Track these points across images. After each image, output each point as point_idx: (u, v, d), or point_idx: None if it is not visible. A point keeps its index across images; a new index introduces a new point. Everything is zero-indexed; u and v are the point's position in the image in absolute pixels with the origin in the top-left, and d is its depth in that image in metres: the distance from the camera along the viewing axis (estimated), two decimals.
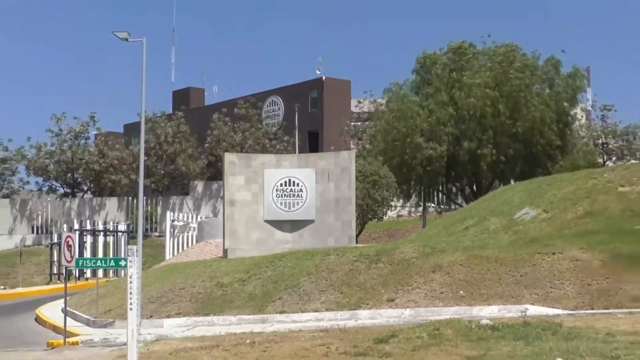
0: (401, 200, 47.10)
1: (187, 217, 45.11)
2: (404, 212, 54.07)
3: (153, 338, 17.83)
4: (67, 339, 18.94)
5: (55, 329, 22.30)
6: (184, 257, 31.77)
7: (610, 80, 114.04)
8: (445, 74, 43.09)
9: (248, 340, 15.34)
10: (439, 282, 20.04)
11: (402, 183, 41.59)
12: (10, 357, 16.76)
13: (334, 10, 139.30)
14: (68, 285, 21.42)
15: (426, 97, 42.87)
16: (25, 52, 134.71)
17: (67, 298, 21.36)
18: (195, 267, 25.33)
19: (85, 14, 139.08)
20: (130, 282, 12.10)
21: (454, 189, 47.36)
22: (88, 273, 39.52)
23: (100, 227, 47.29)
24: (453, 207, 47.05)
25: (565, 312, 17.52)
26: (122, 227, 45.93)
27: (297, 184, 27.64)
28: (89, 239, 44.03)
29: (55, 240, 43.54)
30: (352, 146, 54.03)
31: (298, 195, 27.61)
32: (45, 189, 61.31)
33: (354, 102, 63.75)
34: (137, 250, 12.44)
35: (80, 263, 22.03)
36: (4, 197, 60.64)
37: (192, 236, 41.62)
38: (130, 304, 12.02)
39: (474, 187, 44.28)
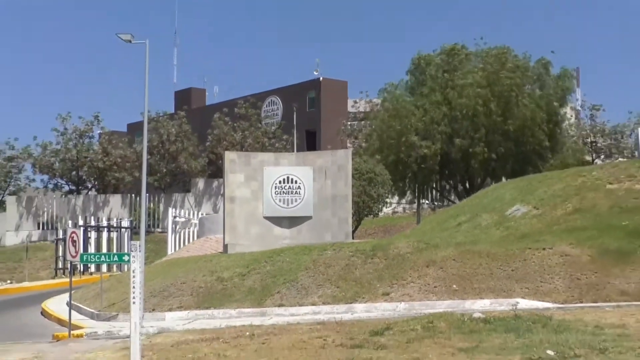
0: (396, 197, 47.16)
1: (189, 214, 45.09)
2: (399, 208, 54.15)
3: (155, 331, 17.81)
4: (72, 332, 18.92)
5: (60, 322, 22.28)
6: (185, 252, 31.75)
7: (599, 81, 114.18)
8: (439, 74, 43.13)
9: (247, 333, 15.33)
10: (432, 277, 20.03)
11: (397, 180, 41.66)
12: (16, 349, 16.73)
13: (331, 13, 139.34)
14: (73, 279, 21.43)
15: (421, 97, 42.90)
16: (31, 54, 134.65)
17: (72, 292, 21.36)
18: (197, 262, 25.30)
19: (89, 16, 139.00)
20: (133, 277, 12.08)
21: (447, 186, 47.44)
22: (92, 268, 39.52)
23: (104, 223, 47.23)
24: (446, 203, 47.10)
25: (555, 305, 17.52)
26: (125, 223, 45.90)
27: (295, 182, 27.62)
28: (93, 234, 43.97)
29: (61, 236, 43.54)
30: (348, 145, 54.05)
31: (296, 193, 27.60)
32: (50, 186, 61.34)
33: (350, 102, 63.76)
34: (139, 246, 12.42)
35: (84, 258, 21.96)
36: (10, 194, 60.66)
37: (193, 232, 41.60)
38: (133, 297, 12.00)
39: (467, 185, 44.33)
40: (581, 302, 17.69)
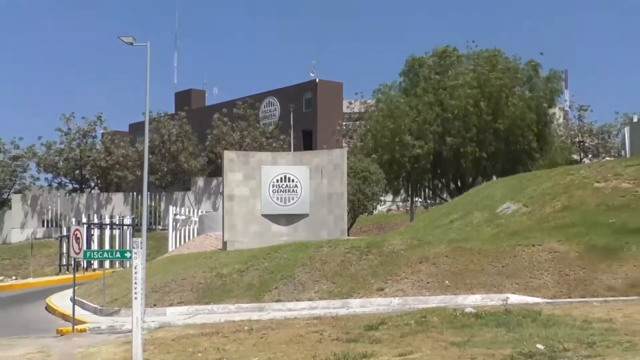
0: (390, 196, 47.11)
1: (189, 212, 45.05)
2: (393, 206, 54.09)
3: (157, 325, 17.81)
4: (76, 327, 18.91)
5: (64, 317, 22.25)
6: (185, 249, 31.71)
7: (586, 82, 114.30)
8: (432, 76, 43.11)
9: (246, 327, 15.32)
10: (425, 273, 20.03)
11: (392, 179, 41.63)
12: (22, 343, 16.71)
13: (327, 17, 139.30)
14: (76, 275, 21.39)
15: (414, 98, 42.87)
16: (35, 56, 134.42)
17: (76, 288, 21.31)
18: (197, 259, 25.29)
19: (92, 19, 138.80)
20: (135, 273, 12.06)
21: (439, 185, 47.41)
22: (95, 264, 39.44)
23: (107, 220, 47.21)
24: (439, 201, 47.08)
25: (545, 300, 17.53)
26: (127, 220, 45.88)
27: (293, 180, 27.61)
28: (96, 232, 43.94)
29: (65, 233, 43.48)
30: (343, 144, 54.02)
31: (293, 191, 27.59)
32: (54, 184, 61.27)
33: (345, 103, 63.73)
34: (141, 243, 12.39)
35: (87, 255, 21.98)
36: (16, 192, 60.58)
37: (193, 229, 41.55)
38: (135, 293, 11.98)
39: (459, 183, 44.31)
40: (570, 297, 17.70)
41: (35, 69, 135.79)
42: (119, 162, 58.36)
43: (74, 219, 48.59)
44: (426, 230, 25.90)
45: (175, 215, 42.54)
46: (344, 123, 60.14)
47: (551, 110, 44.91)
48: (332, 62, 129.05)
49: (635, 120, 42.47)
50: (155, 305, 21.07)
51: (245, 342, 13.60)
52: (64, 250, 41.69)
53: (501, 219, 24.31)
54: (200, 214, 42.97)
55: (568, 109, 60.31)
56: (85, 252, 20.93)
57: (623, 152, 40.06)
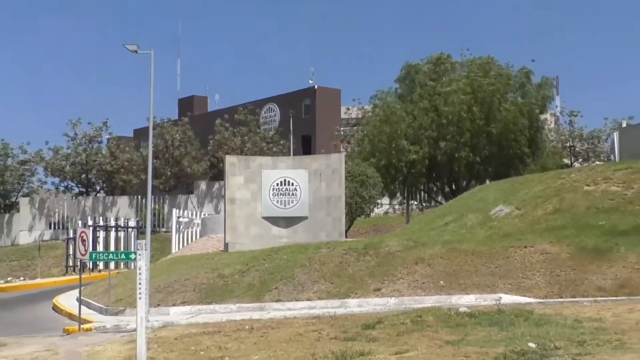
0: (387, 199, 47.10)
1: (192, 214, 45.00)
2: (390, 209, 54.09)
3: (160, 324, 17.79)
4: (82, 326, 18.88)
5: (70, 316, 22.22)
6: (188, 250, 31.69)
7: (577, 88, 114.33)
8: (427, 82, 43.11)
9: (247, 327, 15.32)
10: (421, 273, 20.03)
11: (388, 183, 41.64)
12: (30, 341, 16.70)
13: (325, 26, 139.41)
14: (82, 276, 21.39)
15: (410, 104, 42.87)
16: (43, 64, 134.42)
17: (82, 288, 21.32)
18: (199, 260, 25.27)
19: (99, 28, 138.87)
20: (140, 274, 12.05)
21: (434, 188, 47.39)
22: (101, 265, 39.42)
23: (112, 223, 47.12)
24: (434, 204, 47.07)
25: (536, 300, 17.53)
26: (132, 223, 45.81)
27: (292, 184, 27.61)
28: (101, 234, 43.88)
29: (71, 236, 43.39)
30: (341, 149, 54.01)
31: (293, 194, 27.58)
32: (61, 188, 61.16)
33: (343, 109, 63.69)
34: (145, 245, 12.39)
35: (93, 256, 21.92)
36: (24, 196, 60.51)
37: (196, 232, 41.50)
38: (140, 293, 11.97)
39: (453, 187, 44.31)
40: (561, 297, 17.71)
41: (43, 77, 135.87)
42: (123, 167, 58.32)
43: (80, 222, 48.51)
44: (422, 232, 25.90)
45: (179, 217, 42.48)
46: (342, 128, 60.14)
47: (543, 116, 44.93)
48: (330, 69, 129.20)
49: (624, 125, 42.53)
50: (159, 305, 21.05)
51: (246, 340, 13.60)
52: (71, 252, 41.61)
53: (494, 222, 24.32)
54: (202, 216, 42.94)
55: (559, 115, 60.31)
56: (91, 254, 20.88)
57: (612, 157, 40.02)
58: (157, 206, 53.80)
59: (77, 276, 23.33)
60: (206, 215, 45.28)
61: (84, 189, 61.14)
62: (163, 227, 53.50)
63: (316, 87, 64.58)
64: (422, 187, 47.13)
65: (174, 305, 20.96)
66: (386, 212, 53.65)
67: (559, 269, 18.97)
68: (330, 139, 58.07)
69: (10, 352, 14.98)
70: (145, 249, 12.24)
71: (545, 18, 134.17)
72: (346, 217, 29.39)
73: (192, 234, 41.95)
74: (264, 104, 66.33)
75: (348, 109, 61.79)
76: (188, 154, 57.64)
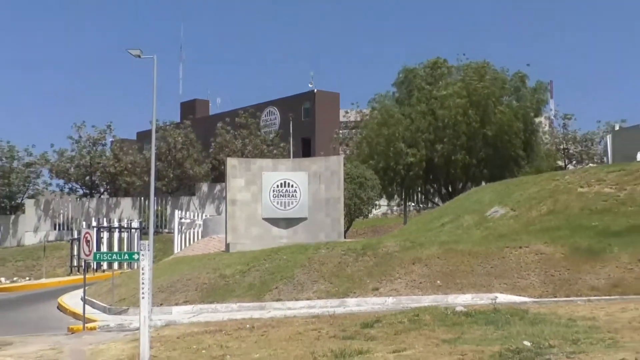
0: (385, 200, 47.11)
1: (194, 216, 45.00)
2: (388, 210, 54.10)
3: (163, 323, 17.78)
4: (86, 325, 18.86)
5: (75, 315, 22.20)
6: (190, 251, 31.68)
7: (570, 92, 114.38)
8: (424, 86, 43.13)
9: (248, 325, 15.31)
10: (418, 273, 20.02)
11: (386, 185, 41.64)
12: (35, 340, 16.69)
13: (325, 30, 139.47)
14: (86, 276, 21.37)
15: (408, 107, 42.89)
16: (48, 68, 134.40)
17: (86, 288, 21.30)
18: (201, 260, 25.25)
19: (102, 32, 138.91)
20: (143, 274, 12.05)
21: (431, 190, 47.42)
22: (104, 265, 39.35)
23: (116, 224, 47.12)
24: (431, 206, 47.09)
25: (531, 299, 17.52)
26: (135, 224, 45.80)
27: (292, 185, 27.61)
28: (105, 235, 43.84)
29: (75, 236, 43.41)
30: (340, 152, 54.03)
31: (292, 196, 27.58)
32: (66, 190, 61.24)
33: (342, 112, 63.77)
34: (148, 245, 12.38)
35: (97, 256, 21.92)
36: (29, 197, 60.54)
37: (198, 232, 41.48)
38: (143, 293, 11.96)
39: (449, 188, 44.32)
40: (555, 297, 17.70)
41: (48, 81, 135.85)
42: (127, 169, 58.37)
43: (84, 223, 48.45)
44: (419, 233, 25.90)
45: (181, 219, 42.49)
46: (340, 131, 60.19)
47: (537, 119, 44.95)
48: (329, 73, 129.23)
49: (616, 128, 42.59)
50: (161, 304, 21.03)
51: (247, 339, 13.59)
52: (75, 252, 41.62)
53: (490, 222, 24.32)
54: (204, 217, 42.92)
55: (553, 118, 60.37)
56: (95, 254, 20.88)
57: (605, 159, 40.07)
58: (159, 207, 53.80)
59: (82, 276, 23.35)
60: (208, 216, 45.25)
61: (88, 191, 61.16)
62: (165, 228, 53.51)
63: (315, 90, 64.63)
64: (419, 189, 47.16)
65: (176, 304, 20.94)
66: (384, 214, 53.68)
67: (554, 269, 18.97)
68: (329, 141, 58.11)
69: (15, 350, 14.97)
70: (148, 250, 12.23)
71: (539, 22, 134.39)
72: (345, 218, 29.38)
73: (194, 235, 41.93)
74: (264, 108, 66.38)
75: (347, 112, 61.87)
76: (190, 157, 57.68)
